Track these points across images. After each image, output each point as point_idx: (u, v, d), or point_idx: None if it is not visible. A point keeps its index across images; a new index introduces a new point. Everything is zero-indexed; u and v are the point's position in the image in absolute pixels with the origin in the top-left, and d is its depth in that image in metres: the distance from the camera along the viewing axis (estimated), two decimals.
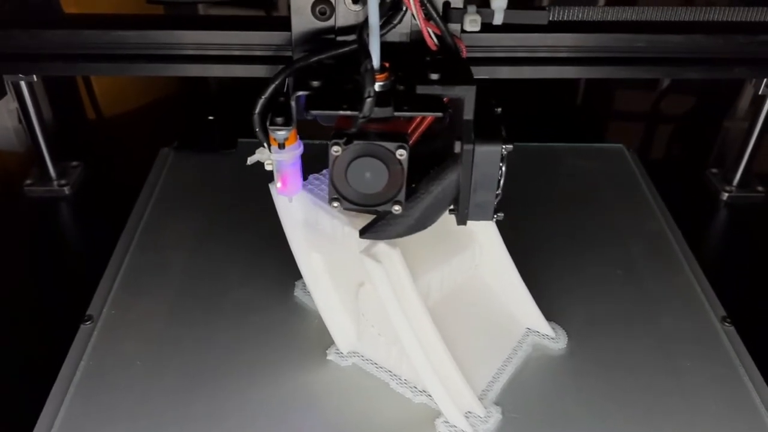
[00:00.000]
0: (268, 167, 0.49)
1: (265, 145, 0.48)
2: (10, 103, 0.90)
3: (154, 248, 0.71)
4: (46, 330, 0.65)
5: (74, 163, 0.86)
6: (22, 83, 0.77)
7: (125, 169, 0.88)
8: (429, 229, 0.57)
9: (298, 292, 0.66)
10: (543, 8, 0.54)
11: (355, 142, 0.45)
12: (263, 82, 0.47)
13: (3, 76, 0.73)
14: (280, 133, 0.45)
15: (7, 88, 0.79)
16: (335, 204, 0.47)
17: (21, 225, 0.80)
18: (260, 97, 0.46)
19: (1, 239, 0.77)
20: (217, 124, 0.94)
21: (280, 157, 0.47)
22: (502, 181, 0.47)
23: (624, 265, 0.70)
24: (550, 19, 0.54)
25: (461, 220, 0.48)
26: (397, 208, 0.47)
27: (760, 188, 0.85)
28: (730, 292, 0.67)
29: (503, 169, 0.46)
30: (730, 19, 0.55)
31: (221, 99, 1.05)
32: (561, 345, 0.61)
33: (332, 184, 0.47)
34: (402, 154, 0.45)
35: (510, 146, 0.45)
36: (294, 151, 0.48)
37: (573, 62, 0.63)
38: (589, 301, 0.66)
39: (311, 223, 0.57)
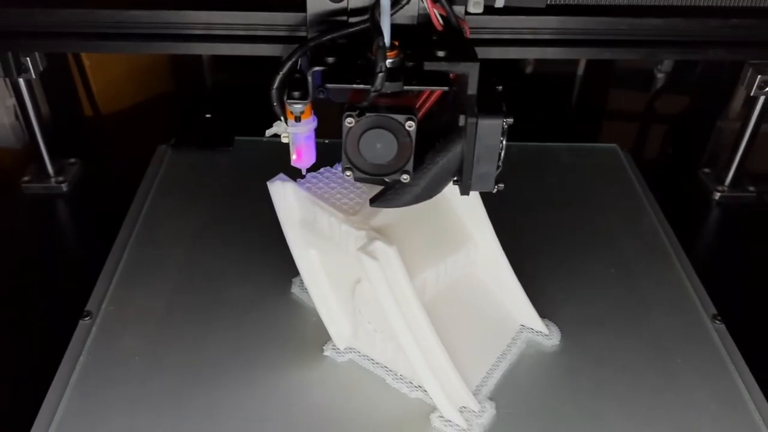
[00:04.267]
0: (284, 140, 0.51)
1: (282, 119, 0.50)
2: (7, 99, 0.90)
3: (152, 245, 0.72)
4: (46, 326, 0.65)
5: (71, 160, 0.87)
6: (21, 80, 0.77)
7: (122, 166, 0.89)
8: (425, 227, 0.58)
9: (295, 289, 0.67)
10: None
11: (367, 114, 0.47)
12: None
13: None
14: (297, 107, 0.48)
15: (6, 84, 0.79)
16: (348, 173, 0.49)
17: (19, 222, 0.80)
18: (278, 73, 0.48)
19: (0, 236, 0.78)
20: (214, 121, 0.94)
21: (296, 129, 0.49)
22: (503, 154, 0.49)
23: (617, 264, 0.71)
24: (548, 2, 0.56)
25: (464, 190, 0.50)
26: (405, 177, 0.49)
27: (751, 188, 0.86)
28: (721, 291, 0.68)
29: (504, 142, 0.48)
30: (705, 5, 0.58)
31: (218, 97, 1.05)
32: (554, 342, 0.62)
33: (345, 155, 0.49)
34: (411, 125, 0.47)
35: (510, 120, 0.47)
36: (309, 124, 0.50)
37: (561, 44, 0.65)
38: (582, 299, 0.67)
39: (309, 222, 0.58)
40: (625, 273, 0.70)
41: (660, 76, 1.15)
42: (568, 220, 0.77)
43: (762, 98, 0.80)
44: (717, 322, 0.64)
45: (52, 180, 0.84)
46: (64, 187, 0.83)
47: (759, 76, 0.77)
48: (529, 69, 1.15)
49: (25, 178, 0.83)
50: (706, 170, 0.89)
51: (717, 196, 0.86)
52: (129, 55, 1.04)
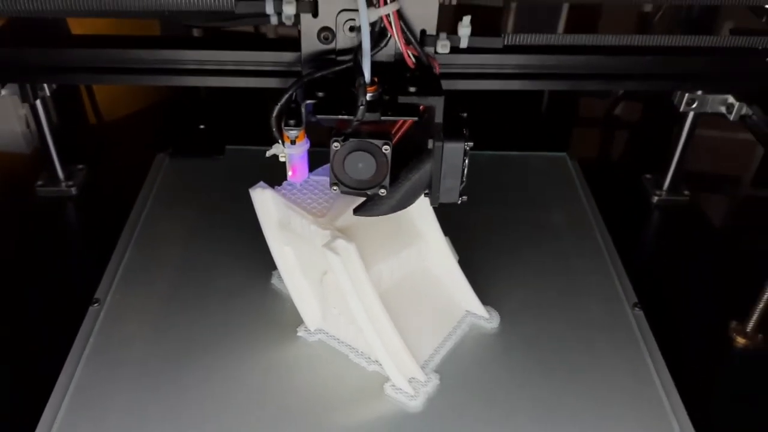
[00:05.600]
0: (281, 159, 0.59)
1: (280, 141, 0.58)
2: (19, 109, 0.99)
3: (152, 242, 0.80)
4: (60, 310, 0.73)
5: (79, 167, 0.94)
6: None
7: (125, 172, 0.95)
8: (382, 227, 0.67)
9: (274, 281, 0.74)
10: (499, 35, 0.65)
11: (351, 139, 0.55)
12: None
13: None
14: (293, 132, 0.56)
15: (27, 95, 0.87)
16: (335, 188, 0.57)
17: (35, 221, 0.87)
18: (277, 104, 0.56)
19: (18, 234, 0.86)
20: (207, 132, 1.02)
21: (291, 151, 0.58)
22: (465, 171, 0.57)
23: (554, 260, 0.79)
24: (505, 43, 0.65)
25: (434, 202, 0.59)
26: (382, 191, 0.57)
27: (686, 192, 0.95)
28: (645, 282, 0.77)
29: (466, 161, 0.57)
30: (621, 44, 0.67)
31: (210, 109, 1.12)
32: (494, 325, 0.71)
33: (332, 172, 0.57)
34: (386, 149, 0.55)
35: (471, 143, 0.56)
36: (303, 146, 0.58)
37: (515, 77, 0.74)
38: (521, 290, 0.75)
39: (284, 223, 0.67)
40: (561, 266, 0.78)
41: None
42: (514, 220, 0.85)
43: (691, 113, 0.90)
44: (636, 309, 0.73)
45: (63, 184, 0.91)
46: (74, 190, 0.91)
47: (686, 95, 0.86)
48: None
49: (39, 182, 0.91)
50: (648, 176, 0.98)
51: (655, 199, 0.94)
52: None
